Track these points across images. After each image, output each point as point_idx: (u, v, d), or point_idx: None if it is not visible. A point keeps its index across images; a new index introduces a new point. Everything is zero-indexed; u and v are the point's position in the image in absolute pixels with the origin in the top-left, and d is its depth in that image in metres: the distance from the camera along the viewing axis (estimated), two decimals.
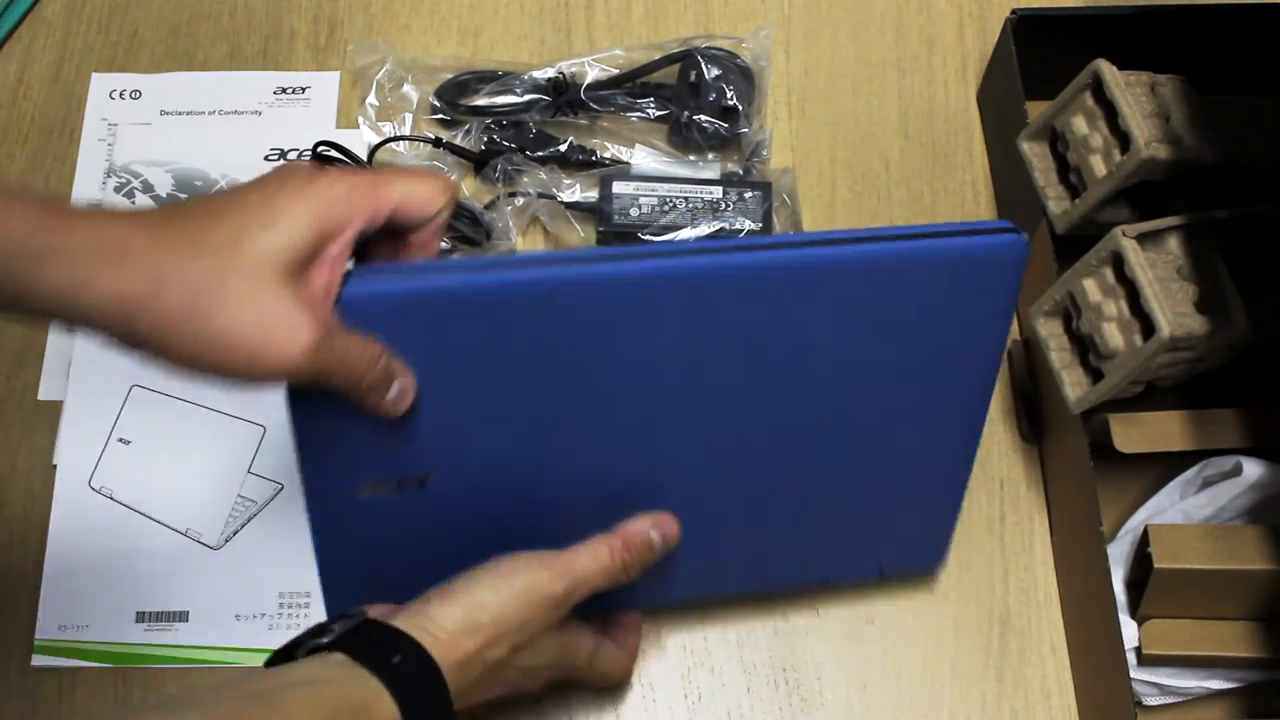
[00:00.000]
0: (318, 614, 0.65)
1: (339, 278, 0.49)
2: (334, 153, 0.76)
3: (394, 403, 0.51)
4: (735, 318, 0.54)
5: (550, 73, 0.78)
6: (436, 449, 0.54)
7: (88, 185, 0.77)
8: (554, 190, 0.75)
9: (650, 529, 0.57)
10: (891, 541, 0.65)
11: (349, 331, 0.48)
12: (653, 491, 0.58)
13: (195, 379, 0.47)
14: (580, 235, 0.74)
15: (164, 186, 0.77)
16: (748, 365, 0.56)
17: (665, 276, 0.53)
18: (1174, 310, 0.60)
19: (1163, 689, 0.64)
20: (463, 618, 0.51)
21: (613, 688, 0.65)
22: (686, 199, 0.74)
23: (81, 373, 0.71)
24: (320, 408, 0.51)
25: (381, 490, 0.55)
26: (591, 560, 0.55)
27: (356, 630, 0.50)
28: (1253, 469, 0.63)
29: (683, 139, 0.77)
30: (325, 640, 0.49)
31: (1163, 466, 0.67)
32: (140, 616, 0.66)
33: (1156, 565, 0.61)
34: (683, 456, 0.58)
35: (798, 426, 0.58)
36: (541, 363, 0.53)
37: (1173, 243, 0.64)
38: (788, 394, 0.57)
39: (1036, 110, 0.69)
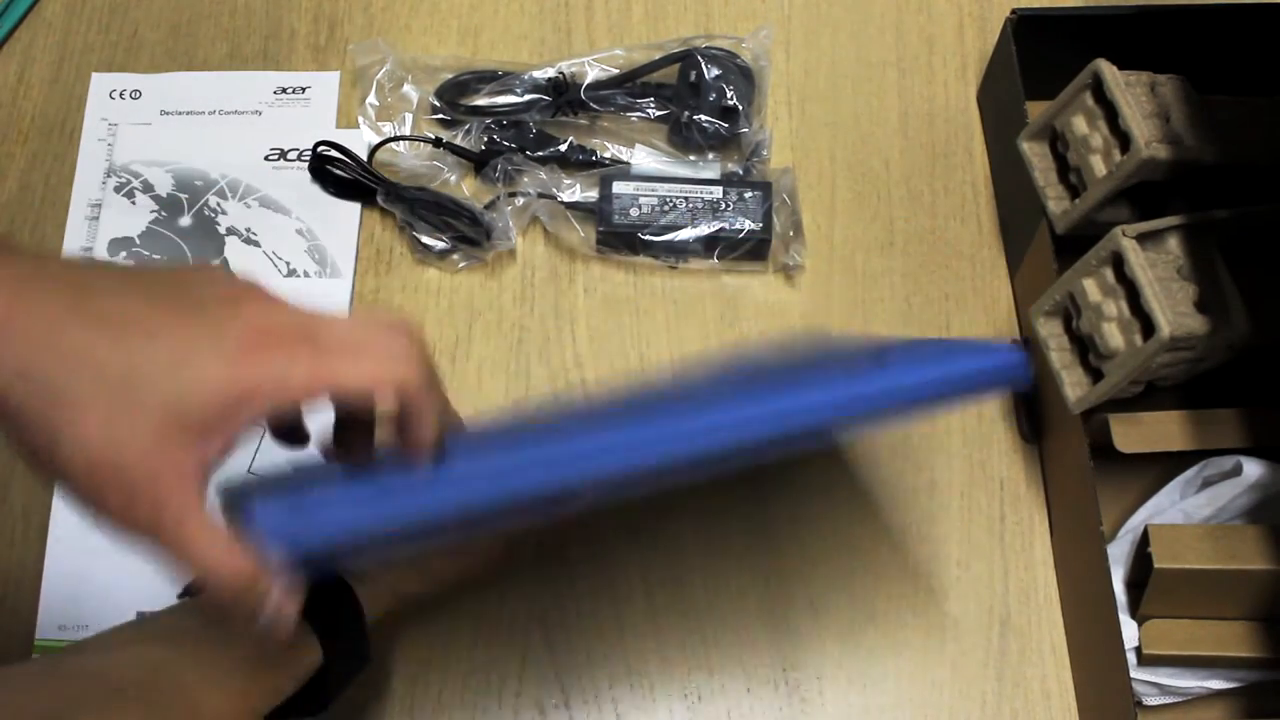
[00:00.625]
0: None
1: (222, 454, 0.42)
2: (334, 152, 0.76)
3: (263, 629, 0.43)
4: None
5: (550, 73, 0.78)
6: None
7: (88, 185, 0.78)
8: (554, 190, 0.75)
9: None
10: None
11: (215, 531, 0.42)
12: None
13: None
14: (580, 235, 0.74)
15: (164, 186, 0.77)
16: None
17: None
18: (1174, 310, 0.60)
19: (1163, 689, 0.64)
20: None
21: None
22: (686, 199, 0.74)
23: None
24: None
25: None
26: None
27: None
28: (1253, 469, 0.63)
29: (683, 139, 0.77)
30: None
31: (1163, 466, 0.67)
32: (140, 616, 0.66)
33: (1156, 565, 0.61)
34: None
35: None
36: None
37: (1173, 243, 0.64)
38: None
39: (1036, 110, 0.69)
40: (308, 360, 0.41)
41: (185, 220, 0.76)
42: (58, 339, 0.39)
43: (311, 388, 0.42)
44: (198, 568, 0.42)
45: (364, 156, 0.76)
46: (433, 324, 0.74)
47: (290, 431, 0.48)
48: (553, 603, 0.67)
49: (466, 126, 0.77)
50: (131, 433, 0.39)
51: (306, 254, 0.75)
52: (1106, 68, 0.65)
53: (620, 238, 0.74)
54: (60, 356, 0.39)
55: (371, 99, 0.78)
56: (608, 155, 0.78)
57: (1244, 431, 0.65)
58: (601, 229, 0.74)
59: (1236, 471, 0.64)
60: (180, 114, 0.80)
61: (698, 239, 0.74)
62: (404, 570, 0.56)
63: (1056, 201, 0.68)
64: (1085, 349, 0.64)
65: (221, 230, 0.76)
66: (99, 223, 0.76)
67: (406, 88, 0.79)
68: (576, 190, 0.75)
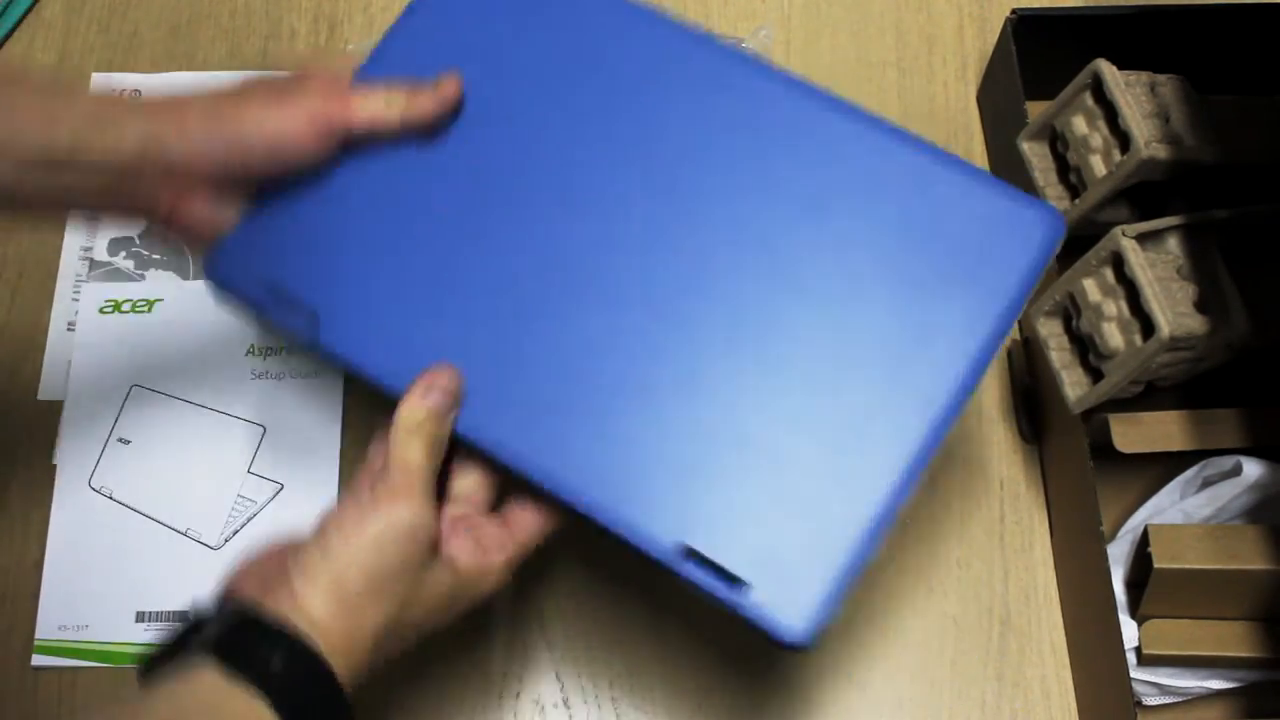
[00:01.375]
0: None
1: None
2: None
3: (436, 114, 0.56)
4: (752, 131, 0.54)
5: None
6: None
7: None
8: None
9: (418, 398, 0.51)
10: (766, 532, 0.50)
11: (358, 94, 0.55)
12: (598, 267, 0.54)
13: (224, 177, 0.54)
14: None
15: None
16: (737, 186, 0.54)
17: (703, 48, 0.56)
18: (1174, 310, 0.60)
19: (1163, 689, 0.64)
20: (332, 595, 0.47)
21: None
22: None
23: (81, 373, 0.71)
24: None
25: None
26: (416, 458, 0.50)
27: (233, 631, 0.46)
28: (1253, 469, 0.63)
29: None
30: (200, 643, 0.45)
31: (1163, 466, 0.67)
32: (140, 616, 0.66)
33: (1156, 565, 0.61)
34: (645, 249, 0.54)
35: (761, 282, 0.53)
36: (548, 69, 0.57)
37: (1173, 243, 0.64)
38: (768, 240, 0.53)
39: (1036, 110, 0.69)
40: (338, 100, 0.55)
41: None
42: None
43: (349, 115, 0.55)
44: (370, 124, 0.55)
45: None
46: None
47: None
48: (553, 602, 0.68)
49: None
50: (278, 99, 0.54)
51: None
52: (1106, 68, 0.65)
53: None
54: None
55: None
56: None
57: (1244, 431, 0.65)
58: None
59: (1236, 471, 0.64)
60: None
61: None
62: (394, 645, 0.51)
63: (1056, 201, 0.69)
64: (1085, 349, 0.64)
65: None
66: (98, 222, 0.76)
67: None
68: None
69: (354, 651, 0.47)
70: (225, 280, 0.56)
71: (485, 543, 0.52)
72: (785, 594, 0.48)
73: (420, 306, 0.54)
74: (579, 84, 0.57)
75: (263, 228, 0.56)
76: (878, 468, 0.49)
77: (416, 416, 0.50)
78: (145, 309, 0.73)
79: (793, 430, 0.50)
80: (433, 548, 0.49)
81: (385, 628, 0.48)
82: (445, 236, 0.55)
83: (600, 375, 0.52)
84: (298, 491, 0.69)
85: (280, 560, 0.49)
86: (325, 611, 0.46)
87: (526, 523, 0.53)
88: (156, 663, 0.46)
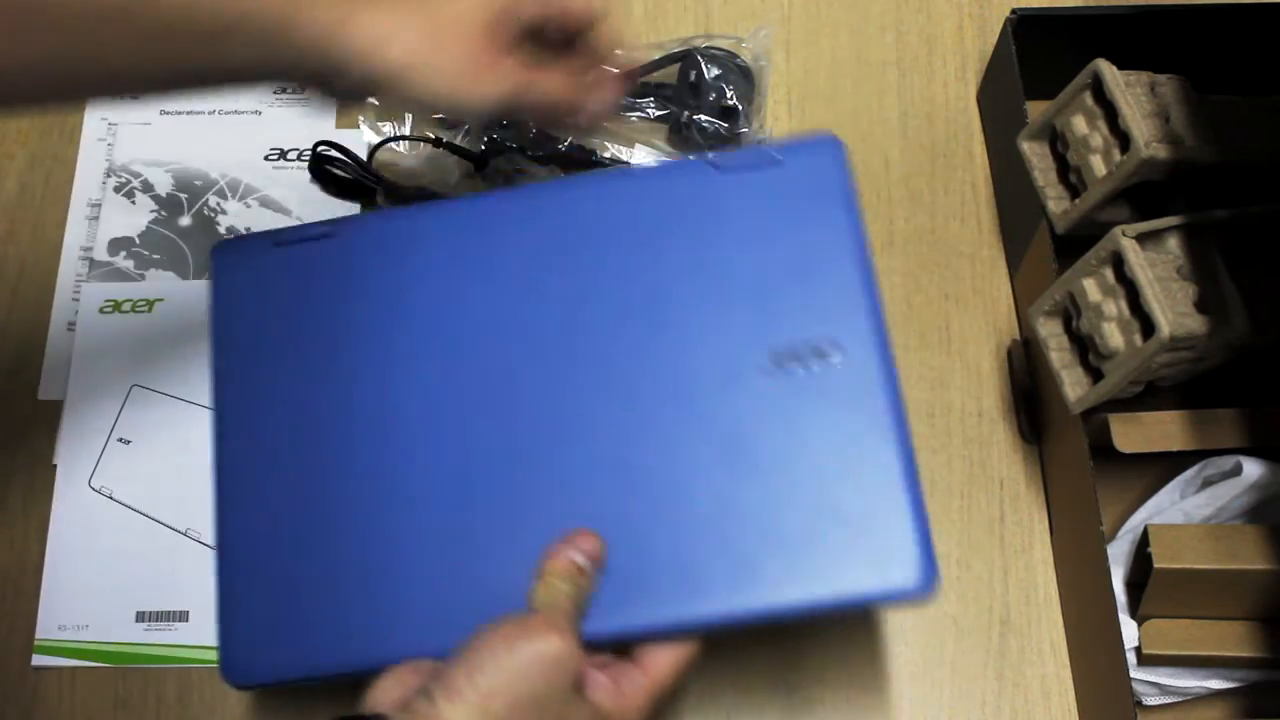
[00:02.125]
0: None
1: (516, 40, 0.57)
2: (334, 152, 0.76)
3: (595, 116, 0.60)
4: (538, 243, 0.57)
5: None
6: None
7: (88, 185, 0.78)
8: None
9: (569, 551, 0.52)
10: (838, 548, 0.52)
11: (542, 73, 0.57)
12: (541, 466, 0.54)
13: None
14: None
15: (164, 186, 0.77)
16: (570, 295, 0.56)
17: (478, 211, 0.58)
18: (1174, 310, 0.60)
19: (1163, 689, 0.64)
20: (477, 713, 0.47)
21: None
22: None
23: (81, 372, 0.71)
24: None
25: None
26: (549, 596, 0.51)
27: None
28: (1253, 469, 0.63)
29: (683, 139, 0.77)
30: None
31: (1163, 466, 0.67)
32: (140, 616, 0.66)
33: (1156, 565, 0.61)
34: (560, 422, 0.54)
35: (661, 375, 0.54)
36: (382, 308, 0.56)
37: (1173, 243, 0.64)
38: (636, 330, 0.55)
39: (1036, 110, 0.69)
40: None
41: (185, 220, 0.76)
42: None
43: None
44: (538, 105, 0.58)
45: (364, 156, 0.76)
46: None
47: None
48: None
49: (466, 126, 0.77)
50: (471, 44, 0.56)
51: None
52: (1106, 68, 0.65)
53: None
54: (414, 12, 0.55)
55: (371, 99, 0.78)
56: (607, 155, 0.78)
57: (1244, 431, 0.65)
58: None
59: (1236, 471, 0.64)
60: (180, 114, 0.80)
61: None
62: None
63: (1056, 201, 0.68)
64: (1085, 349, 0.64)
65: (221, 230, 0.76)
66: (99, 222, 0.76)
67: None
68: None
69: None
70: (254, 680, 0.55)
71: (624, 685, 0.52)
72: (887, 565, 0.51)
73: (430, 569, 0.54)
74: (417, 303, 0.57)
75: (258, 620, 0.55)
76: (869, 424, 0.53)
77: (568, 566, 0.51)
78: (145, 309, 0.73)
79: (785, 460, 0.53)
80: (576, 684, 0.49)
81: None
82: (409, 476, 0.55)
83: (611, 513, 0.53)
84: None
85: (420, 679, 0.49)
86: None
87: (661, 661, 0.52)
88: None
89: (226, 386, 0.57)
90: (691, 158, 0.60)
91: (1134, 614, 0.64)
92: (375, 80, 0.54)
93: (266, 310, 0.57)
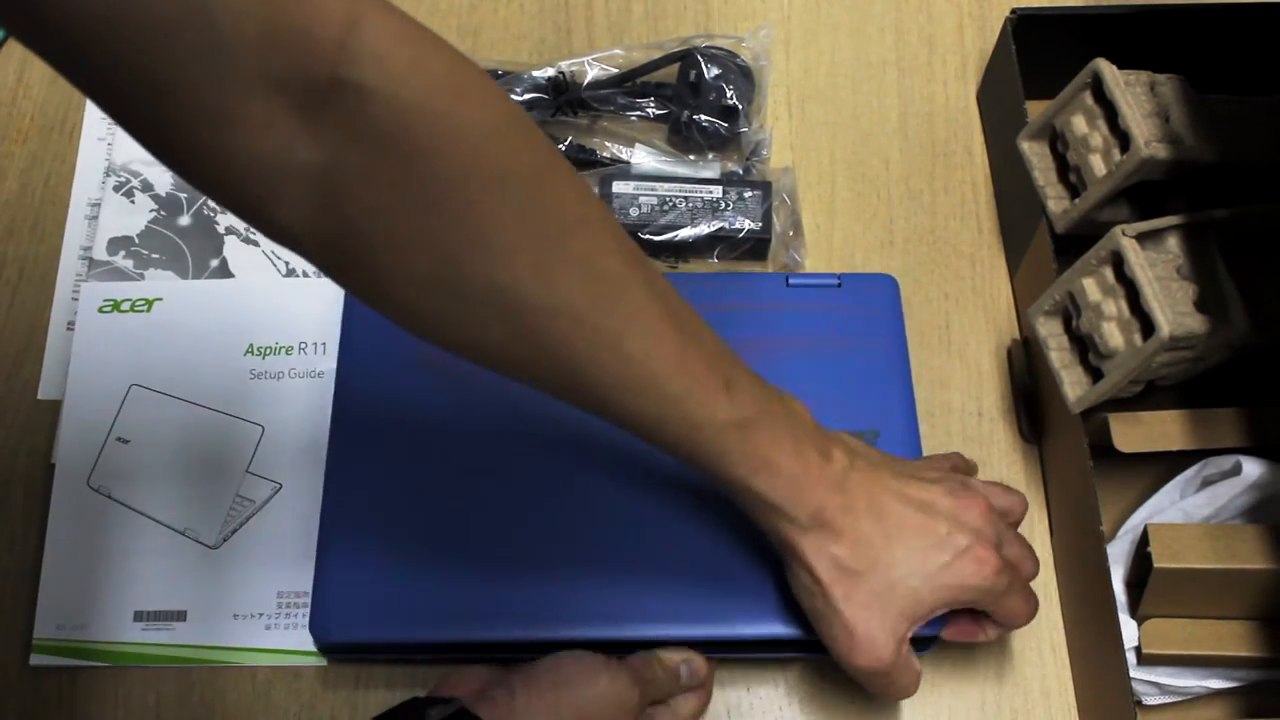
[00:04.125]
0: None
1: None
2: None
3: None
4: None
5: (550, 72, 0.78)
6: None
7: (87, 184, 0.78)
8: None
9: (689, 661, 0.61)
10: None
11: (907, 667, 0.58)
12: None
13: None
14: None
15: (163, 186, 0.77)
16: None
17: None
18: (1174, 310, 0.60)
19: (1162, 688, 0.64)
20: (549, 714, 0.54)
21: None
22: (686, 198, 0.74)
23: (81, 372, 0.71)
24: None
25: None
26: (649, 671, 0.59)
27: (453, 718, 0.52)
28: (1252, 468, 0.63)
29: (682, 138, 0.77)
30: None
31: (1163, 466, 0.67)
32: (138, 616, 0.66)
33: (1156, 565, 0.61)
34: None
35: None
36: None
37: (1172, 242, 0.64)
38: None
39: (1036, 110, 0.69)
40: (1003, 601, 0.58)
41: (184, 219, 0.76)
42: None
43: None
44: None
45: None
46: None
47: None
48: None
49: None
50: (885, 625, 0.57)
51: None
52: (1106, 67, 0.65)
53: None
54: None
55: None
56: (607, 155, 0.78)
57: (1244, 431, 0.65)
58: None
59: (1236, 471, 0.64)
60: None
61: (697, 239, 0.74)
62: None
63: (1056, 201, 0.68)
64: (1085, 349, 0.64)
65: (220, 229, 0.76)
66: (98, 222, 0.76)
67: None
68: None
69: None
70: (336, 637, 0.62)
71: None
72: None
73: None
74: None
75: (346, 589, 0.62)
76: None
77: (675, 665, 0.60)
78: (144, 308, 0.73)
79: None
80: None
81: None
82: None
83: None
84: (296, 491, 0.69)
85: (504, 675, 0.57)
86: None
87: (689, 707, 0.61)
88: None
89: (347, 381, 0.67)
90: (769, 273, 0.74)
91: (1134, 614, 0.64)
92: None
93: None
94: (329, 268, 0.47)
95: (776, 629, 0.61)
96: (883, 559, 0.55)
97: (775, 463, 0.53)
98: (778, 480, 0.53)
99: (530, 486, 0.64)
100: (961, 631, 0.60)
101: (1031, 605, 0.59)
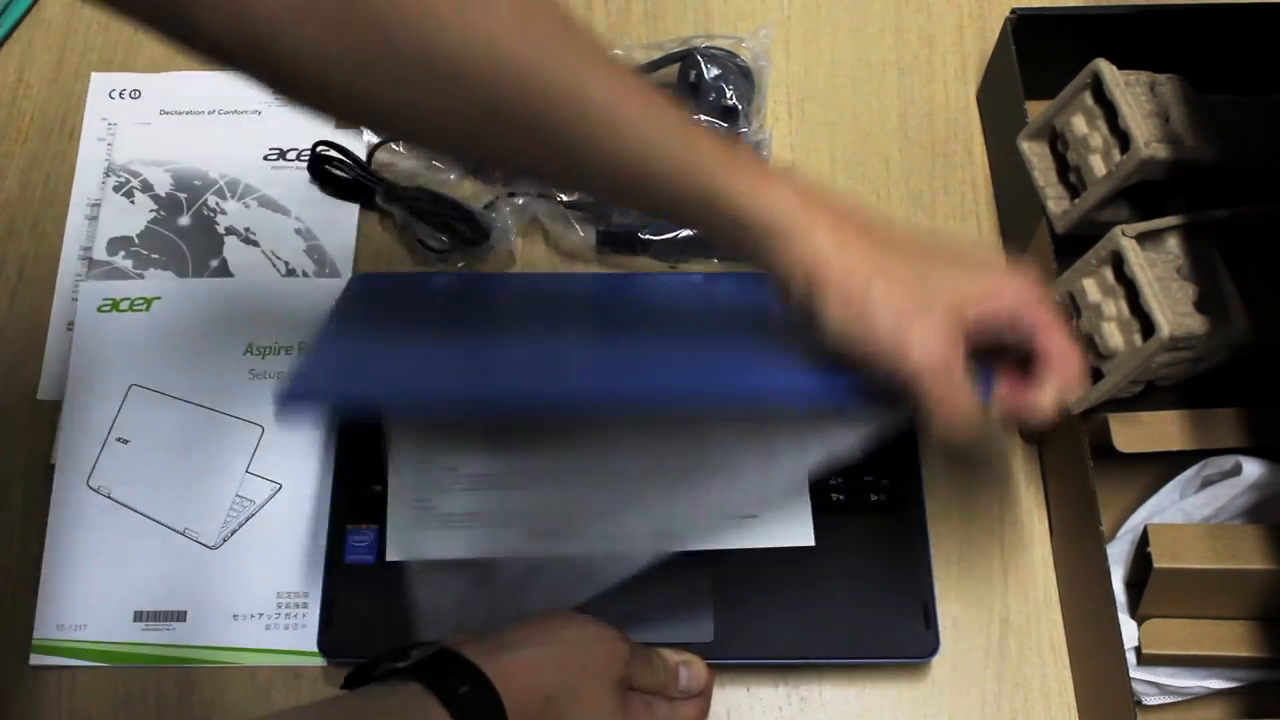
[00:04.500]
0: (316, 614, 0.65)
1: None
2: (333, 152, 0.76)
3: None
4: None
5: None
6: None
7: (87, 184, 0.78)
8: (553, 190, 0.75)
9: (688, 664, 0.60)
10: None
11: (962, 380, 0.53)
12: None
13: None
14: (579, 235, 0.74)
15: (163, 186, 0.77)
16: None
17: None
18: (1174, 310, 0.60)
19: (1162, 688, 0.64)
20: (529, 658, 0.54)
21: None
22: None
23: (80, 372, 0.71)
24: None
25: None
26: (644, 650, 0.59)
27: (433, 659, 0.53)
28: (1252, 469, 0.63)
29: None
30: (402, 665, 0.52)
31: (1162, 466, 0.67)
32: (138, 616, 0.66)
33: (1156, 565, 0.61)
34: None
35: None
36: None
37: (1172, 242, 0.64)
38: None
39: (1036, 110, 0.69)
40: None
41: (184, 220, 0.76)
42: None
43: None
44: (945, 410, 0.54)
45: (363, 157, 0.76)
46: None
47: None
48: None
49: None
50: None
51: (305, 254, 0.75)
52: (1106, 67, 0.65)
53: (619, 238, 0.74)
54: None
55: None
56: None
57: (1244, 431, 0.65)
58: (601, 229, 0.74)
59: (1236, 471, 0.64)
60: (180, 113, 0.80)
61: (698, 239, 0.74)
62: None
63: (1056, 201, 0.68)
64: (1085, 349, 0.64)
65: (220, 230, 0.76)
66: (98, 222, 0.76)
67: None
68: None
69: (527, 706, 0.53)
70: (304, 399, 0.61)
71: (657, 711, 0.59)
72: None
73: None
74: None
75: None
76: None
77: (674, 665, 0.60)
78: (144, 308, 0.73)
79: None
80: (617, 682, 0.56)
81: (549, 698, 0.54)
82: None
83: None
84: (296, 491, 0.69)
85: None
86: (506, 670, 0.53)
87: (688, 713, 0.60)
88: (358, 674, 0.54)
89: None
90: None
91: (1134, 614, 0.64)
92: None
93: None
94: (262, 76, 0.48)
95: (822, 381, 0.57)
96: (887, 261, 0.53)
97: (769, 177, 0.53)
98: (780, 193, 0.53)
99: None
100: (1014, 394, 0.56)
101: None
